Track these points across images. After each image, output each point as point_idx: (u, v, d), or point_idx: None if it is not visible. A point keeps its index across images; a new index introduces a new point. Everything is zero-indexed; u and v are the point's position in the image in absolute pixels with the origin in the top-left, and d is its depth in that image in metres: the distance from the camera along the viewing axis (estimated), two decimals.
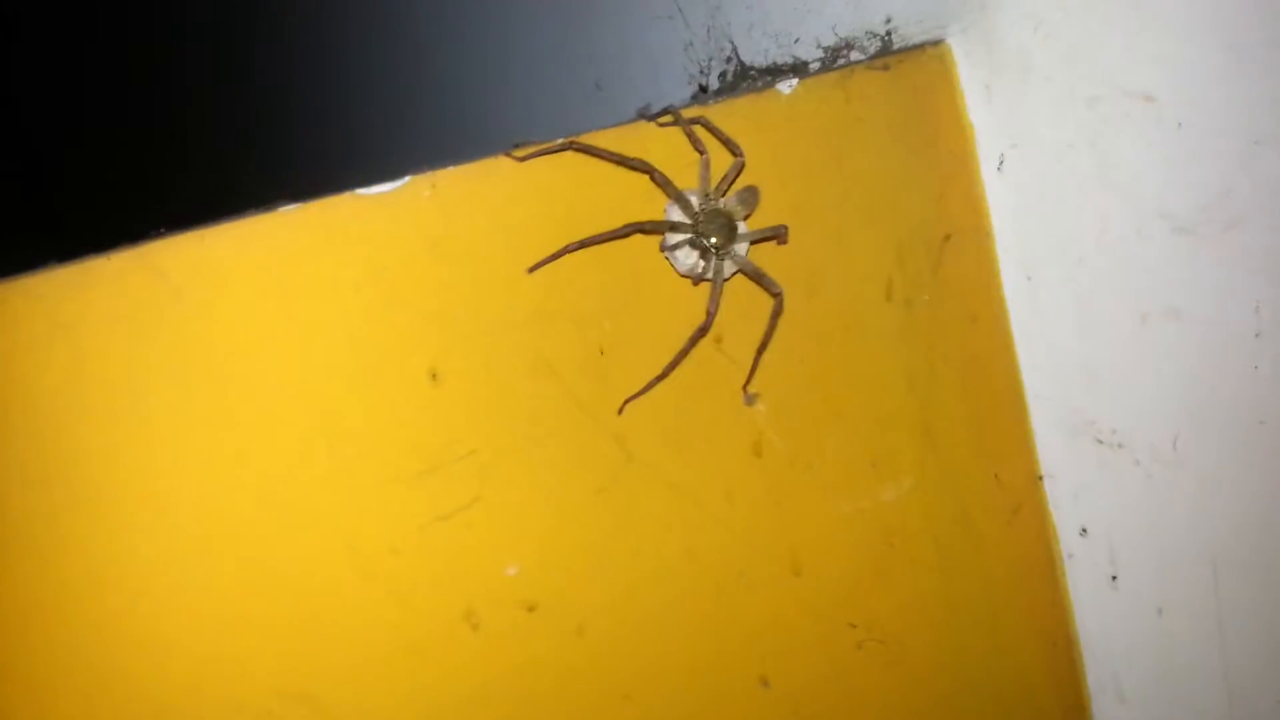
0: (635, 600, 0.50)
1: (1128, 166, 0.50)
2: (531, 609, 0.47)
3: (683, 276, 0.49)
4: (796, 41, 0.67)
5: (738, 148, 0.49)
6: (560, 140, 0.47)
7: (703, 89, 0.76)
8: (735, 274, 0.50)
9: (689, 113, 0.50)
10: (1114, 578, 0.57)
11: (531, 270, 0.47)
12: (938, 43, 0.57)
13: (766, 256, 0.52)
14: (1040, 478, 0.59)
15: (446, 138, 0.48)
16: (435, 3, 0.57)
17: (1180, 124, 0.48)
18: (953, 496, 0.57)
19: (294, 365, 0.44)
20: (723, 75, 0.73)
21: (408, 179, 0.46)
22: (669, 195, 0.48)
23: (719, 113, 0.52)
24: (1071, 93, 0.52)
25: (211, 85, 0.44)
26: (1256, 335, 0.47)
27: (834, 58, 0.64)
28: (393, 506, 0.46)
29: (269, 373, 0.44)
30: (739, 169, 0.49)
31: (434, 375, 0.46)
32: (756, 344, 0.51)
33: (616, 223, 0.48)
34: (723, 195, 0.49)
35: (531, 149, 0.47)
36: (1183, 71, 0.47)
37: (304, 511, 0.44)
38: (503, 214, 0.48)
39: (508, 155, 0.47)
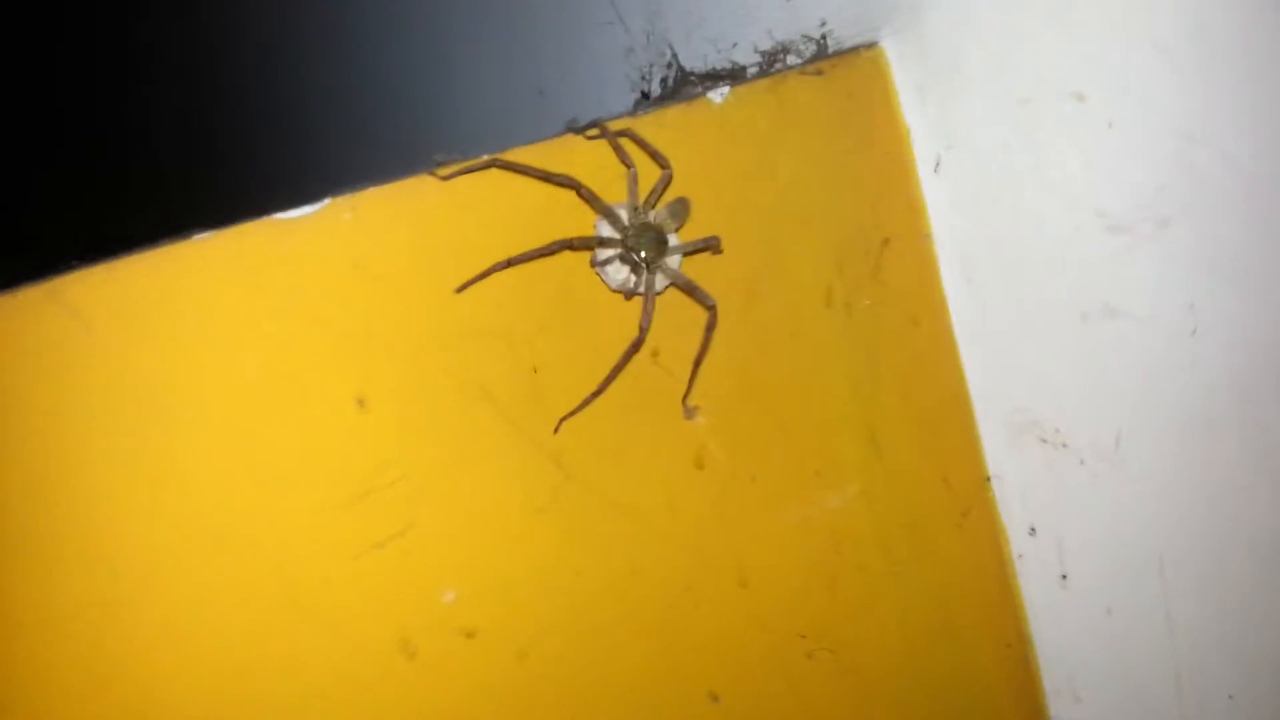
0: (579, 621, 0.49)
1: (1062, 166, 0.50)
2: (470, 635, 0.47)
3: (614, 291, 0.48)
4: (734, 46, 0.66)
5: (665, 160, 0.48)
6: (484, 158, 0.46)
7: (645, 95, 0.76)
8: (668, 287, 0.49)
9: (617, 125, 0.49)
10: (1064, 577, 0.56)
11: (459, 290, 0.46)
12: (871, 45, 0.56)
13: (703, 267, 0.51)
14: (988, 479, 0.58)
15: (367, 157, 0.47)
16: (359, 19, 0.56)
17: (1111, 123, 0.47)
18: (901, 501, 0.57)
19: (214, 397, 0.43)
20: (664, 81, 0.72)
21: (327, 201, 0.45)
22: (597, 210, 0.47)
23: (650, 124, 0.51)
24: (1004, 93, 0.51)
25: (118, 109, 0.43)
26: (1193, 333, 0.47)
27: (771, 62, 0.63)
28: (323, 536, 0.45)
29: (188, 406, 0.43)
30: (666, 181, 0.48)
31: (361, 401, 0.45)
32: (694, 357, 0.51)
33: (545, 239, 0.47)
34: (652, 208, 0.48)
35: (455, 167, 0.46)
36: (1112, 71, 0.47)
37: (230, 545, 0.43)
38: (427, 234, 0.47)
39: (430, 174, 0.46)
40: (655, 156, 0.48)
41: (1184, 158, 0.45)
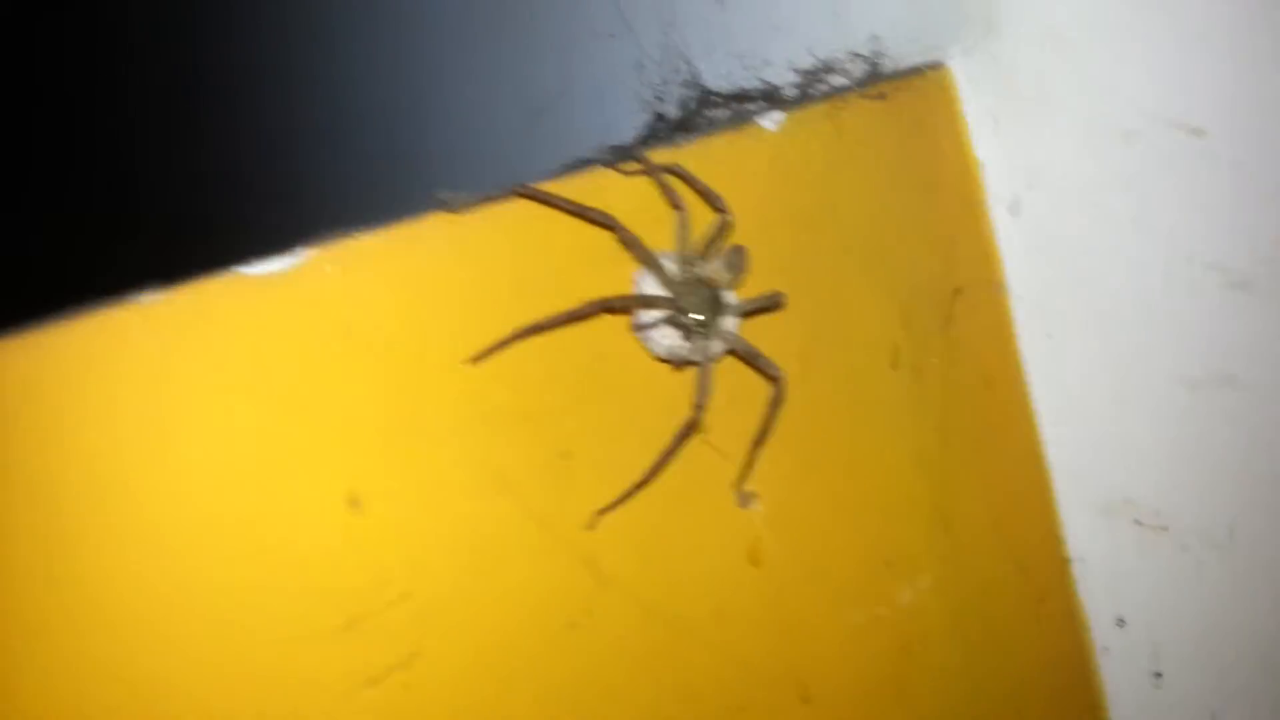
0: None
1: (1171, 211, 0.43)
2: None
3: (660, 361, 0.40)
4: (765, 64, 0.59)
5: (721, 201, 0.40)
6: (505, 188, 0.38)
7: (660, 117, 0.67)
8: (724, 355, 0.41)
9: (660, 158, 0.41)
10: (1158, 675, 0.49)
11: (474, 361, 0.37)
12: (937, 66, 0.49)
13: (754, 326, 0.44)
14: (1069, 561, 0.51)
15: (354, 196, 0.37)
16: (337, 33, 0.47)
17: (1236, 163, 0.41)
18: (974, 590, 0.49)
19: (165, 499, 0.34)
20: (683, 102, 0.64)
21: (305, 252, 0.36)
22: (639, 260, 0.39)
23: (693, 155, 0.43)
24: (1100, 125, 0.44)
25: (37, 137, 0.34)
26: None
27: (811, 83, 0.56)
28: (305, 674, 0.35)
29: (126, 513, 0.33)
30: (723, 227, 0.40)
31: (353, 501, 0.36)
32: (748, 431, 0.43)
33: (576, 297, 0.38)
34: (704, 259, 0.40)
35: (468, 200, 0.37)
36: (1238, 102, 0.40)
37: (188, 693, 0.34)
38: (432, 291, 0.38)
39: (440, 209, 0.37)
40: (708, 197, 0.40)
41: None
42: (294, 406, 0.36)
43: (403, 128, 0.47)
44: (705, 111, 0.63)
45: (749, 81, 0.60)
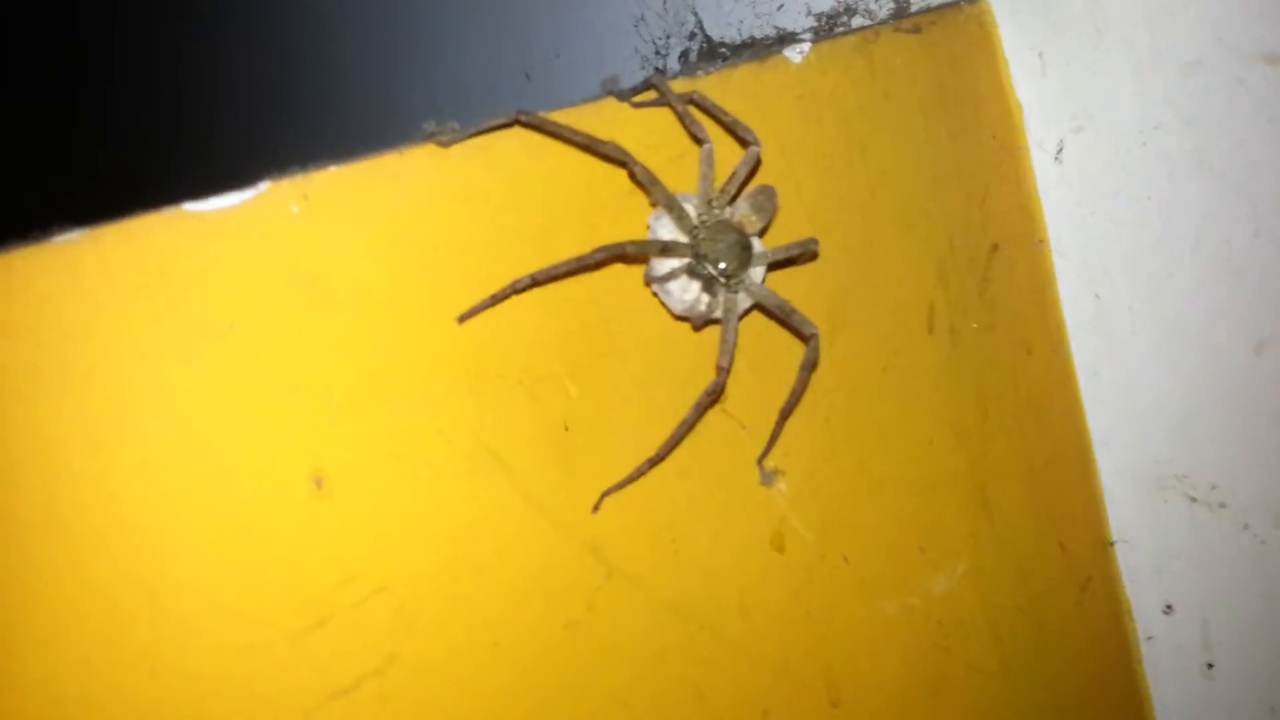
0: None
1: (1240, 151, 0.39)
2: None
3: (678, 318, 0.35)
4: (780, 8, 0.54)
5: (750, 133, 0.35)
6: (505, 116, 0.32)
7: (659, 73, 0.62)
8: (751, 311, 0.36)
9: (678, 87, 0.36)
10: (1209, 666, 0.45)
11: (462, 319, 0.32)
12: (973, 0, 0.44)
13: (774, 281, 0.39)
14: (1111, 544, 0.47)
15: (323, 130, 0.32)
16: None
17: None
18: (1014, 578, 0.45)
19: (95, 480, 0.28)
20: (684, 55, 0.59)
21: (264, 185, 0.30)
22: (656, 201, 0.34)
23: (711, 87, 0.38)
24: (1158, 56, 0.40)
25: None
26: None
27: (830, 27, 0.51)
28: (263, 686, 0.30)
29: (54, 488, 0.28)
30: (753, 164, 0.35)
31: (318, 480, 0.31)
32: (770, 400, 0.38)
33: (582, 243, 0.33)
34: (729, 201, 0.35)
35: (458, 133, 0.32)
36: None
37: (130, 707, 0.28)
38: (413, 235, 0.32)
39: (426, 142, 0.32)
40: (735, 128, 0.35)
41: None
42: (249, 368, 0.30)
43: (388, 58, 0.41)
44: (709, 65, 0.58)
45: (762, 30, 0.55)
